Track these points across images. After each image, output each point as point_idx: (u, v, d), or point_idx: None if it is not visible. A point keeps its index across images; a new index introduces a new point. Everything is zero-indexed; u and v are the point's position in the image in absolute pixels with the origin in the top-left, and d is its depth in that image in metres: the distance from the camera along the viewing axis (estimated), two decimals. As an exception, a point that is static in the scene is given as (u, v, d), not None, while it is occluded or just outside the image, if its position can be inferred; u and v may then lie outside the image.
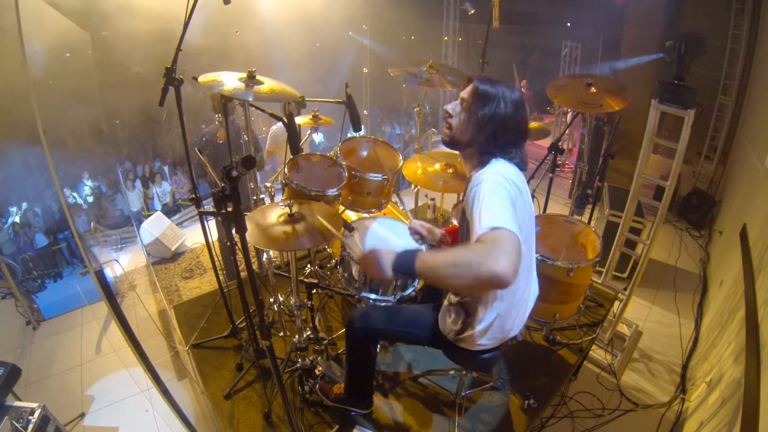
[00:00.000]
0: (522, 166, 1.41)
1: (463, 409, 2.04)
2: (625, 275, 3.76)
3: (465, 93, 1.42)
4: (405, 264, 1.22)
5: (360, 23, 7.27)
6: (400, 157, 2.62)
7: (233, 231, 1.43)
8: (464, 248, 1.13)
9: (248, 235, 1.45)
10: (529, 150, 1.47)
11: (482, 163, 1.38)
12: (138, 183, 5.94)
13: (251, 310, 1.87)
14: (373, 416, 1.95)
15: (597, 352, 3.01)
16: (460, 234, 1.54)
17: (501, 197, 1.20)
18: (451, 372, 2.14)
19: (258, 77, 2.05)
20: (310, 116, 3.00)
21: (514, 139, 1.38)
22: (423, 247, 2.04)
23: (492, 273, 1.00)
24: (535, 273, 1.60)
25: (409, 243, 2.09)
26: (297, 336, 2.07)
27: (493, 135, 1.35)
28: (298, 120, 2.96)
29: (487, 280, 1.02)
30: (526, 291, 1.53)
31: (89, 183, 5.50)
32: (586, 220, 2.90)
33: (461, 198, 2.96)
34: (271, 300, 2.51)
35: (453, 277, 1.08)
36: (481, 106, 1.36)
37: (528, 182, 1.48)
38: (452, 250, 1.14)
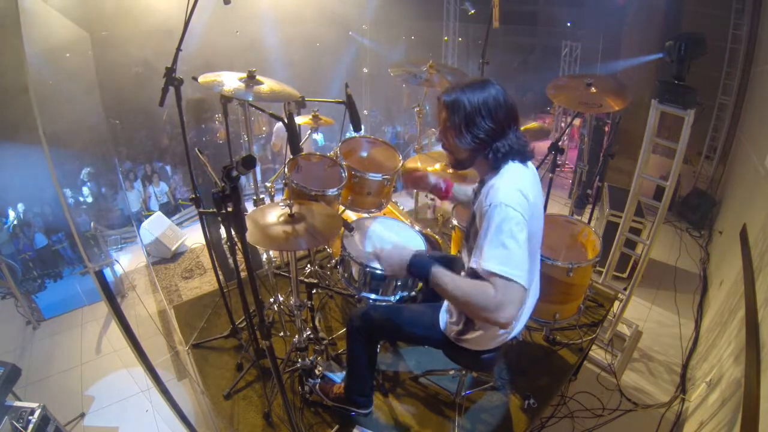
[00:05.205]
0: (526, 148, 1.39)
1: (463, 409, 2.04)
2: (625, 275, 3.76)
3: (439, 113, 1.42)
4: (421, 271, 1.33)
5: (360, 23, 7.27)
6: (400, 157, 2.62)
7: (233, 231, 1.43)
8: (478, 286, 1.22)
9: (248, 235, 1.45)
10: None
11: (493, 168, 1.37)
12: (138, 183, 5.94)
13: (251, 310, 1.87)
14: (373, 416, 1.94)
15: (597, 352, 3.01)
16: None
17: (517, 232, 1.22)
18: (451, 372, 2.13)
19: (258, 77, 2.05)
20: (310, 116, 3.00)
21: (505, 119, 1.34)
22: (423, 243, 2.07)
23: (496, 321, 1.19)
24: (538, 276, 1.60)
25: (409, 243, 2.09)
26: (297, 336, 2.06)
27: (482, 128, 1.33)
28: (298, 120, 2.96)
29: (490, 322, 1.22)
30: (530, 294, 1.52)
31: (89, 183, 5.49)
32: (586, 220, 2.90)
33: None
34: (271, 300, 2.51)
35: (460, 305, 1.22)
36: (454, 113, 1.35)
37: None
38: (467, 280, 1.28)
